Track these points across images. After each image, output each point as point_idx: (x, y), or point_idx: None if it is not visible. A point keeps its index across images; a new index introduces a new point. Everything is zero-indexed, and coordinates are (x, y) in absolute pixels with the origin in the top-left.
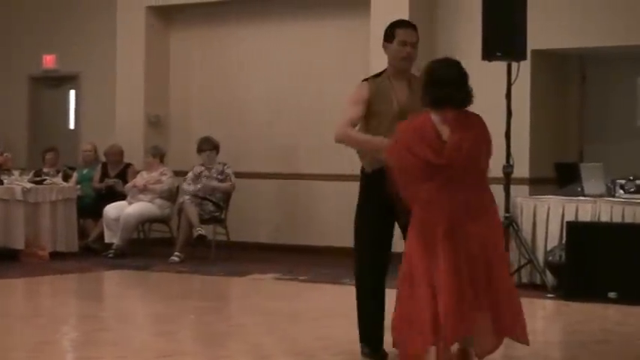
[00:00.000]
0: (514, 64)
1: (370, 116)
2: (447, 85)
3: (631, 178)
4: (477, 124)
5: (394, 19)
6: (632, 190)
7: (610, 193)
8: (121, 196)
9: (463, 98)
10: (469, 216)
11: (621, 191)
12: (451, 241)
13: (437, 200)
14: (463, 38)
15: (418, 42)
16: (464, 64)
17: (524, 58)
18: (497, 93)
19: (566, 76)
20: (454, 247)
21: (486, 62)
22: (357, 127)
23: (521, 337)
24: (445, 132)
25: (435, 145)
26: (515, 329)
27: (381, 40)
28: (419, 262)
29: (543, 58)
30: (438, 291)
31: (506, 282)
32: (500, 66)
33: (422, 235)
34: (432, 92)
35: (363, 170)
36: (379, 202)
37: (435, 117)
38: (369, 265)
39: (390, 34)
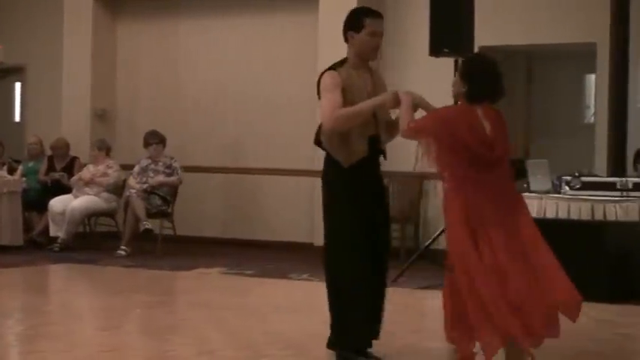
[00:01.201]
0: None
1: (345, 105)
2: (489, 81)
3: (576, 174)
4: (503, 119)
5: (343, 12)
6: (578, 186)
7: (556, 189)
8: (67, 190)
9: (499, 93)
10: (512, 208)
11: (567, 188)
12: (503, 226)
13: (485, 182)
14: (411, 30)
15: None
16: (410, 59)
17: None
18: (444, 89)
19: (512, 72)
20: (507, 233)
21: (433, 57)
22: None
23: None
24: (487, 127)
25: (485, 140)
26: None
27: (331, 33)
28: (468, 248)
29: (490, 54)
30: (508, 278)
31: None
32: (447, 61)
33: (467, 220)
34: (475, 86)
35: (334, 166)
36: (364, 196)
37: (478, 110)
38: (362, 269)
39: (357, 23)
